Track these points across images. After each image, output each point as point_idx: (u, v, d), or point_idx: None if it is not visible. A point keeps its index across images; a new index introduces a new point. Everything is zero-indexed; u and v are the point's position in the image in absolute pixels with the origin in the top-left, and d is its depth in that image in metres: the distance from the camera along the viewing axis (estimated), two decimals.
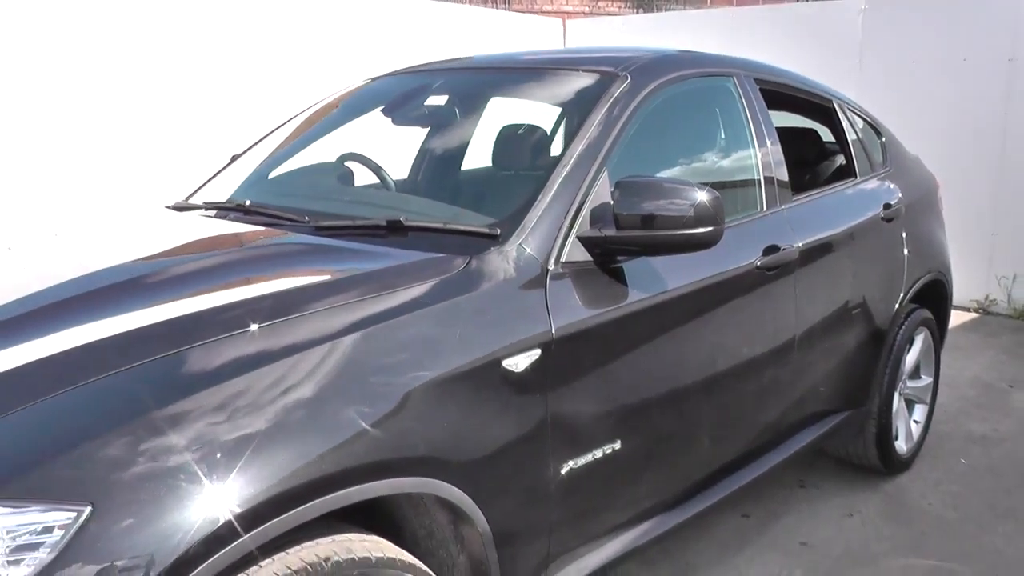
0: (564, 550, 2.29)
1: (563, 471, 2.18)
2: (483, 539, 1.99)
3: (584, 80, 2.75)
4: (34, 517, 1.41)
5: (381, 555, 1.74)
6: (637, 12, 15.21)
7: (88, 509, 1.42)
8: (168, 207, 3.03)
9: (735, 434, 2.90)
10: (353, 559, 1.69)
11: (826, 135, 4.02)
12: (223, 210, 2.79)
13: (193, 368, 1.67)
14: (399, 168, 3.40)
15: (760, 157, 3.06)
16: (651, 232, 2.23)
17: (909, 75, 6.85)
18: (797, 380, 3.12)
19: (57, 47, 5.68)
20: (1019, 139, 6.52)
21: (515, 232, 2.21)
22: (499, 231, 2.22)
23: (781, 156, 3.16)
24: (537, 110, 2.86)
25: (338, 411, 1.72)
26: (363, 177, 3.12)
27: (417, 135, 3.53)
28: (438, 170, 3.15)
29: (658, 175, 2.56)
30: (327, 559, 1.64)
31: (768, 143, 3.11)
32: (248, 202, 2.73)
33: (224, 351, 1.71)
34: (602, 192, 2.34)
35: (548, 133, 2.70)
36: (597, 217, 2.29)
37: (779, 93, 3.39)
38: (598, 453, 2.28)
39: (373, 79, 3.53)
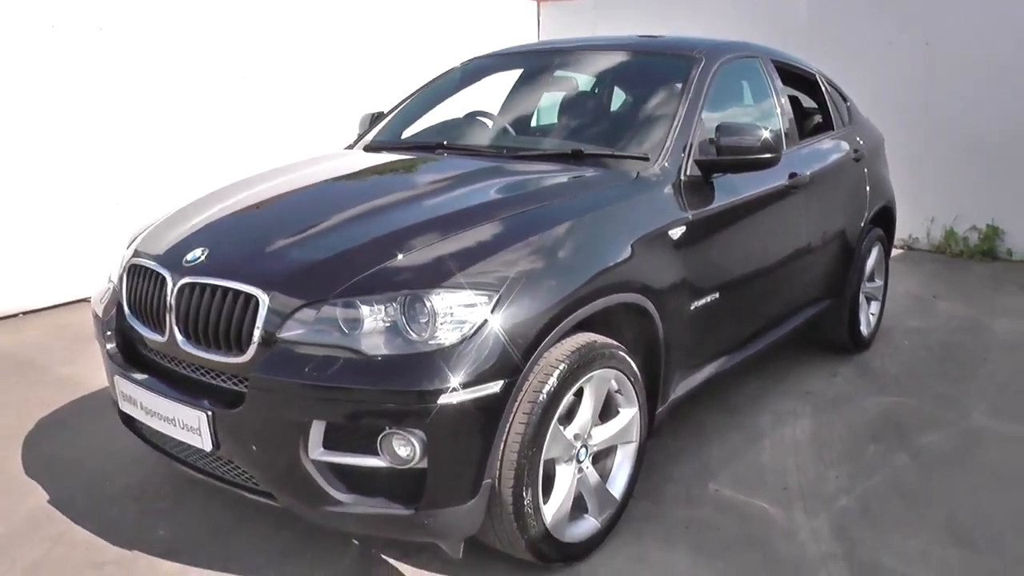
0: (686, 367, 3.56)
1: (691, 308, 3.46)
2: (660, 339, 3.25)
3: (676, 60, 4.03)
4: (466, 298, 2.57)
5: (605, 342, 2.98)
6: None
7: (497, 295, 2.61)
8: (362, 148, 4.21)
9: (775, 301, 4.24)
10: (593, 343, 2.93)
11: (806, 101, 5.36)
12: (426, 149, 3.98)
13: (528, 224, 2.91)
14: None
15: (780, 113, 4.40)
16: (737, 157, 3.53)
17: (848, 55, 8.26)
18: (807, 268, 4.47)
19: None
20: (937, 108, 8.05)
21: (659, 157, 3.49)
22: (648, 156, 3.51)
23: (791, 113, 4.51)
24: (642, 80, 4.14)
25: (593, 256, 2.96)
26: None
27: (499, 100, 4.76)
28: (574, 118, 4.39)
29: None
30: (582, 344, 2.84)
31: (783, 104, 4.45)
32: (445, 142, 3.95)
33: (531, 219, 2.95)
34: (701, 131, 3.64)
35: (666, 94, 3.96)
36: (703, 148, 3.60)
37: (784, 70, 4.73)
38: (708, 299, 3.55)
39: (472, 59, 4.76)
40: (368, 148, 4.25)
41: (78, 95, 6.27)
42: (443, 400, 2.40)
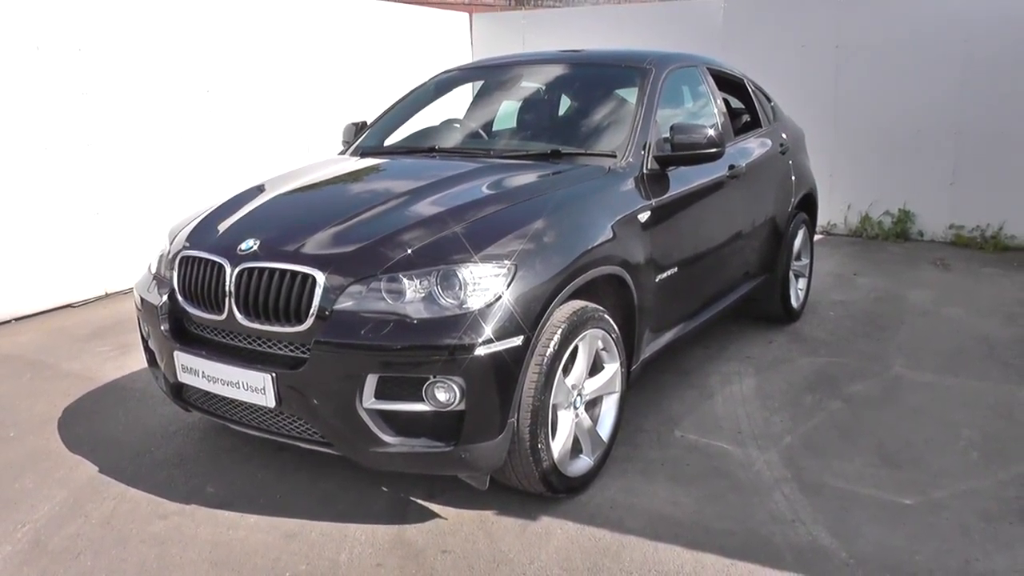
0: (653, 331, 4.16)
1: (656, 280, 4.07)
2: (635, 305, 3.87)
3: (630, 70, 4.66)
4: (489, 271, 3.14)
5: (594, 307, 3.58)
6: (511, 6, 16.64)
7: (513, 268, 3.20)
8: (352, 154, 4.76)
9: (721, 275, 4.88)
10: (585, 307, 3.53)
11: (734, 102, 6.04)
12: (420, 152, 4.55)
13: (530, 210, 3.50)
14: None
15: (718, 114, 5.06)
16: (689, 152, 4.16)
17: (762, 59, 8.98)
18: (745, 247, 5.13)
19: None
20: (848, 105, 8.88)
21: (624, 154, 4.11)
22: (615, 153, 4.13)
23: (727, 113, 5.18)
24: (601, 88, 4.76)
25: (584, 236, 3.54)
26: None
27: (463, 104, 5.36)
28: (544, 122, 4.98)
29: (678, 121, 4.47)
30: (577, 308, 3.41)
31: (719, 105, 5.12)
32: (436, 146, 4.52)
33: (532, 206, 3.53)
34: (656, 131, 4.26)
35: (625, 99, 4.58)
36: (659, 145, 4.23)
37: (718, 75, 5.40)
38: (667, 273, 4.16)
39: (443, 72, 5.34)
40: (364, 154, 4.78)
41: (60, 112, 6.66)
42: (478, 351, 2.97)
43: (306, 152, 8.71)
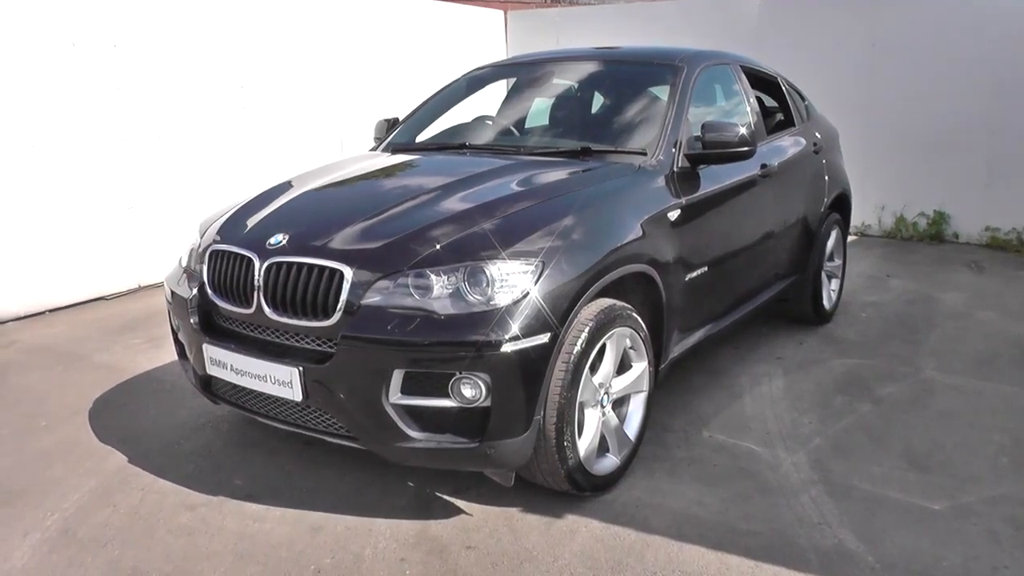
0: (682, 330, 4.14)
1: (685, 279, 4.05)
2: (663, 304, 3.85)
3: (662, 68, 4.64)
4: (517, 267, 3.14)
5: (622, 305, 3.56)
6: (546, 3, 16.61)
7: (540, 265, 3.19)
8: (383, 150, 4.77)
9: (751, 275, 4.85)
10: (613, 305, 3.52)
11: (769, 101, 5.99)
12: (450, 149, 4.55)
13: (559, 207, 3.49)
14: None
15: (750, 112, 5.02)
16: (720, 150, 4.13)
17: (796, 57, 8.89)
18: (776, 247, 5.09)
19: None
20: (884, 105, 8.78)
21: (655, 152, 4.09)
22: (646, 151, 4.11)
23: (760, 112, 5.14)
24: (633, 85, 4.74)
25: (612, 234, 3.53)
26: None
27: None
28: (576, 119, 4.97)
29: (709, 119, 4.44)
30: (604, 306, 3.40)
31: (752, 103, 5.08)
32: (468, 143, 4.52)
33: (561, 204, 3.52)
34: (687, 129, 4.23)
35: (657, 97, 4.56)
36: (690, 143, 4.20)
37: (751, 73, 5.35)
38: (696, 272, 4.14)
39: (475, 69, 5.34)
40: (395, 150, 4.79)
41: (95, 107, 6.73)
42: (505, 348, 2.96)
43: (339, 148, 8.76)
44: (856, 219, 8.75)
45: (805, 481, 3.68)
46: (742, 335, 5.53)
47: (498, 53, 10.86)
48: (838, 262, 6.13)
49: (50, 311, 6.56)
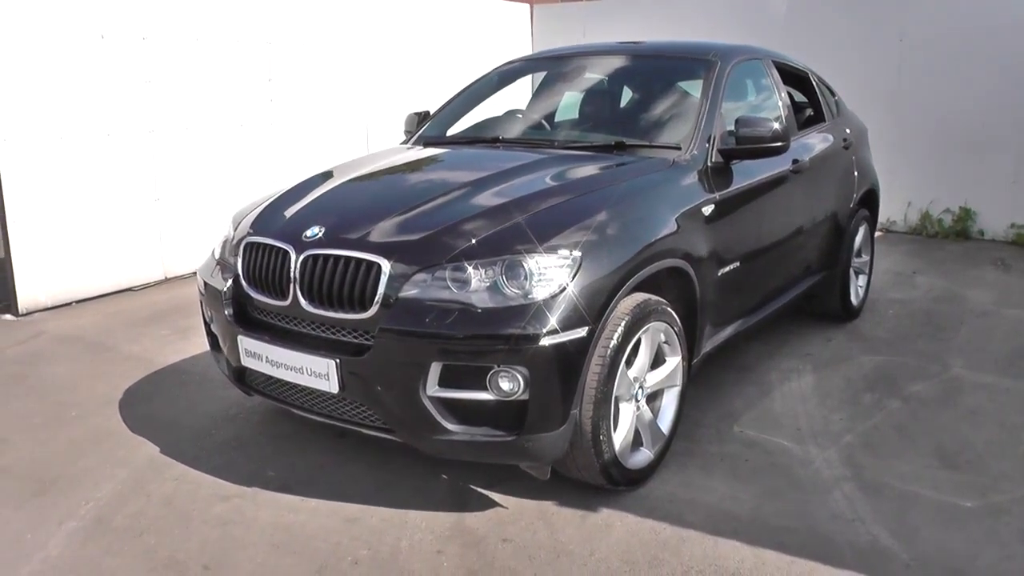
0: (714, 325, 4.13)
1: (719, 274, 4.04)
2: (697, 299, 3.84)
3: (695, 63, 4.62)
4: (555, 261, 3.13)
5: (657, 300, 3.55)
6: None
7: (580, 254, 3.18)
8: (415, 143, 4.76)
9: (782, 271, 4.83)
10: (648, 300, 3.51)
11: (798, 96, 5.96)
12: (484, 143, 4.55)
13: (595, 202, 3.49)
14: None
15: (782, 107, 5.00)
16: (753, 145, 4.12)
17: (824, 52, 8.80)
18: (806, 243, 5.07)
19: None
20: (911, 100, 8.73)
21: (689, 146, 4.08)
22: (680, 146, 4.09)
23: (791, 107, 5.11)
24: (665, 80, 4.73)
25: (648, 228, 3.52)
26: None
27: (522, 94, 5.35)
28: (608, 114, 4.97)
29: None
30: (640, 301, 3.39)
31: (784, 99, 5.05)
32: (500, 136, 4.52)
33: (597, 198, 3.52)
34: (720, 124, 4.22)
35: (690, 92, 4.55)
36: (723, 138, 4.19)
37: (782, 68, 5.33)
38: (729, 268, 4.12)
39: (506, 63, 5.33)
40: (427, 143, 4.79)
41: (123, 99, 6.76)
42: (543, 342, 2.96)
43: (365, 141, 8.77)
44: (881, 215, 8.63)
45: (837, 478, 3.67)
46: (771, 331, 5.51)
47: (524, 47, 10.84)
48: (866, 258, 6.11)
49: (77, 302, 6.60)
